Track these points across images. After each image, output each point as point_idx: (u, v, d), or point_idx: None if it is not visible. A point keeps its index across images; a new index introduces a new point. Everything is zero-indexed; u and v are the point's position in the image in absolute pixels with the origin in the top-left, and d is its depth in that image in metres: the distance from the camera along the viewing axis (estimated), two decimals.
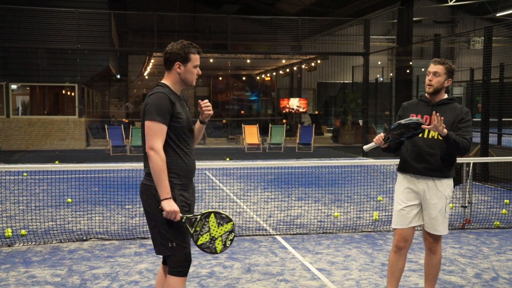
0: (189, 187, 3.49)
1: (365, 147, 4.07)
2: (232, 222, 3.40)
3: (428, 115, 4.03)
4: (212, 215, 3.36)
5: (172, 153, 3.37)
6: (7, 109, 18.70)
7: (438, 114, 3.79)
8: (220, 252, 3.39)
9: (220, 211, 3.43)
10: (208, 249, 3.37)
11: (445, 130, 3.81)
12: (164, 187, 3.26)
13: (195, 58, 3.43)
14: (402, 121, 3.87)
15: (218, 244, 3.37)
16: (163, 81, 3.48)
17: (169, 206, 3.25)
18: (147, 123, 3.29)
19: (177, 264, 3.39)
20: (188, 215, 3.34)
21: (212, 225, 3.36)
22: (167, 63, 3.43)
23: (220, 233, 3.37)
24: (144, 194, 3.42)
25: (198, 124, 3.59)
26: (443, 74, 4.01)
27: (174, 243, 3.35)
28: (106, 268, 5.34)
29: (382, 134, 3.97)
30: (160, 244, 3.38)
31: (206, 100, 3.56)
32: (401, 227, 4.11)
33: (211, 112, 3.53)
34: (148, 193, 3.37)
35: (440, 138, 3.91)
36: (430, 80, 4.02)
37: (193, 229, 3.33)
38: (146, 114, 3.30)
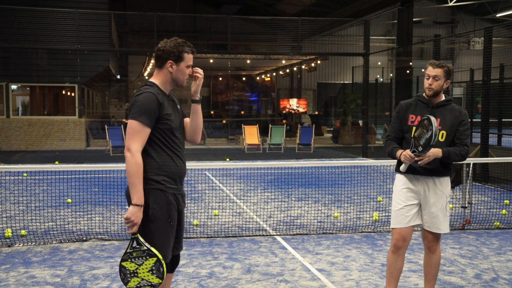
0: (180, 192, 3.37)
1: (401, 168, 4.05)
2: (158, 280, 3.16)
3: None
4: (155, 259, 3.13)
5: (164, 154, 3.25)
6: (7, 110, 18.69)
7: (424, 155, 3.87)
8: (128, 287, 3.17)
9: (164, 266, 3.15)
10: (124, 275, 3.17)
11: (439, 153, 3.89)
12: (136, 192, 3.11)
13: (189, 58, 3.31)
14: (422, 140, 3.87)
15: (134, 281, 3.15)
16: (152, 79, 3.32)
17: (134, 214, 3.10)
18: (129, 121, 3.15)
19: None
20: (140, 239, 3.14)
21: (145, 265, 3.14)
22: (159, 61, 3.29)
23: (142, 275, 3.15)
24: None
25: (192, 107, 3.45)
26: (443, 77, 4.04)
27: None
28: (106, 268, 5.34)
29: (408, 151, 3.95)
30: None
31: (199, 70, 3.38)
32: (400, 226, 4.11)
33: (200, 76, 3.35)
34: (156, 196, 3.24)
35: (441, 140, 3.98)
36: (430, 84, 4.05)
37: (132, 250, 3.16)
38: (131, 112, 3.16)
